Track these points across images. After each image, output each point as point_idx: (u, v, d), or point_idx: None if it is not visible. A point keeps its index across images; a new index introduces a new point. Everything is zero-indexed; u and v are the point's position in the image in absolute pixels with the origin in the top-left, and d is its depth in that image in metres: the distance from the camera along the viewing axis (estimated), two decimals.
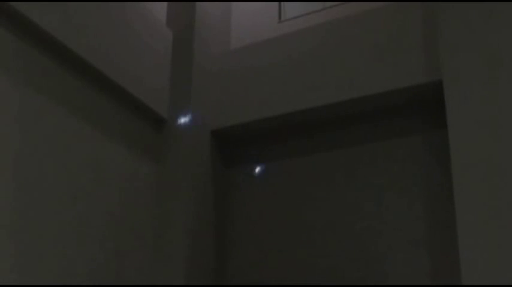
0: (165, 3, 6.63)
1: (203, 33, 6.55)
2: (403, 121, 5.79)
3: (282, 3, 7.10)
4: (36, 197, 4.56)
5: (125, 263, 5.35)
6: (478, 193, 4.62)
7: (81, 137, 5.10)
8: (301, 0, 7.05)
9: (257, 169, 6.44)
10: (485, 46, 4.95)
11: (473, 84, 4.91)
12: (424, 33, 5.57)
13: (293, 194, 6.13)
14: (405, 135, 5.73)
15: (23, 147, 4.52)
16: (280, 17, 7.03)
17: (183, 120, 6.10)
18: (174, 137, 6.07)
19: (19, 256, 4.35)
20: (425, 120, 5.68)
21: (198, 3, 6.55)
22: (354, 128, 6.02)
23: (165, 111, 6.11)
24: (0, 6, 4.40)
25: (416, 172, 5.58)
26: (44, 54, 4.80)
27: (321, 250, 5.77)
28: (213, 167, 6.36)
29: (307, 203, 6.01)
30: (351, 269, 5.56)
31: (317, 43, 6.17)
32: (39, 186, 4.60)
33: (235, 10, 7.26)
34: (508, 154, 4.59)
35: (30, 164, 4.55)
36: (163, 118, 6.09)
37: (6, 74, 4.45)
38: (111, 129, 5.46)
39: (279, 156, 6.34)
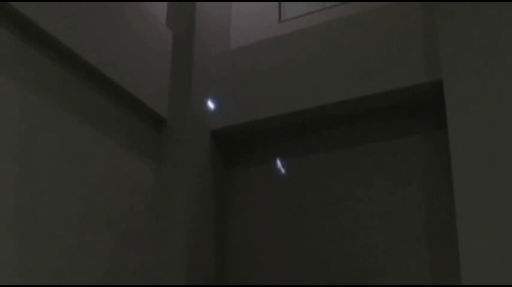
0: (165, 3, 6.63)
1: (203, 33, 6.55)
2: (403, 121, 5.79)
3: (282, 3, 7.10)
4: (36, 196, 4.56)
5: (125, 263, 5.35)
6: (478, 193, 4.62)
7: (81, 137, 5.10)
8: (301, 0, 7.05)
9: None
10: (485, 46, 4.95)
11: (473, 84, 4.91)
12: (424, 33, 5.57)
13: (293, 193, 6.13)
14: (405, 135, 5.73)
15: (23, 147, 4.51)
16: (280, 17, 7.03)
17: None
18: (174, 137, 6.07)
19: (19, 255, 4.35)
20: (425, 120, 5.68)
21: (198, 3, 6.55)
22: (354, 128, 6.02)
23: (165, 111, 6.11)
24: (1, 6, 4.40)
25: (417, 172, 5.58)
26: (44, 54, 4.80)
27: (321, 250, 5.77)
28: (213, 167, 6.36)
29: (307, 202, 6.00)
30: (351, 269, 5.56)
31: (317, 43, 6.17)
32: (39, 186, 4.60)
33: (235, 10, 7.26)
34: (508, 153, 4.60)
35: (30, 164, 4.55)
36: (163, 118, 6.09)
37: (7, 74, 4.45)
38: (111, 129, 5.46)
39: (279, 156, 6.34)
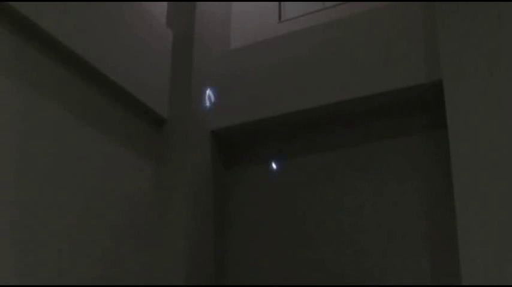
0: (165, 3, 6.63)
1: (203, 33, 6.55)
2: (403, 121, 5.79)
3: (282, 3, 7.09)
4: (36, 197, 4.55)
5: (125, 263, 5.35)
6: (478, 193, 4.62)
7: (81, 137, 5.10)
8: (301, 0, 7.05)
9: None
10: (485, 46, 4.95)
11: (473, 84, 4.91)
12: (424, 33, 5.58)
13: (293, 194, 6.12)
14: (405, 135, 5.73)
15: (23, 147, 4.51)
16: (280, 17, 7.03)
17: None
18: (174, 137, 6.07)
19: (19, 256, 4.35)
20: (425, 120, 5.68)
21: (198, 3, 6.55)
22: (354, 128, 6.02)
23: (165, 111, 6.11)
24: (1, 6, 4.40)
25: (416, 172, 5.57)
26: (44, 54, 4.80)
27: (321, 250, 5.77)
28: (213, 167, 6.36)
29: (307, 203, 6.00)
30: (351, 270, 5.56)
31: (317, 43, 6.17)
32: (39, 186, 4.60)
33: (235, 10, 7.26)
34: (508, 153, 4.59)
35: (29, 164, 4.55)
36: (163, 118, 6.09)
37: (6, 74, 4.45)
38: (111, 129, 5.46)
39: (279, 156, 6.33)
